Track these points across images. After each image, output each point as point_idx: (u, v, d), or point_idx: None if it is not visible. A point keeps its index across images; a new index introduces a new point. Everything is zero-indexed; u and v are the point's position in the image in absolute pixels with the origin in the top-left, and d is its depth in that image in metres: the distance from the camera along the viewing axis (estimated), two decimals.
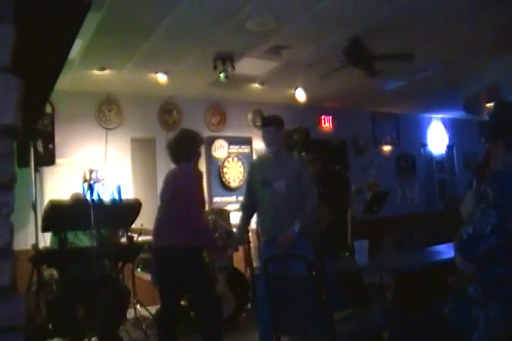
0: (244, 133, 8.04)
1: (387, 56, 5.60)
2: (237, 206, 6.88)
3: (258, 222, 4.30)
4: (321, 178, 5.30)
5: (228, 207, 6.95)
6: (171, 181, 3.86)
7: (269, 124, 4.08)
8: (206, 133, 7.63)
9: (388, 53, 5.57)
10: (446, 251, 3.63)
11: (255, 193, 4.06)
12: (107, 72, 6.09)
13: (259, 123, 8.18)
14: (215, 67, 5.91)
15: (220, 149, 7.72)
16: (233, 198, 7.67)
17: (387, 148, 9.90)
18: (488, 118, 2.40)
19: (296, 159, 4.20)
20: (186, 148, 3.87)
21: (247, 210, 4.22)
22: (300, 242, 3.74)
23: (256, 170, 4.15)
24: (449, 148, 11.04)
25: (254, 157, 8.08)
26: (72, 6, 1.51)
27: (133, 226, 5.04)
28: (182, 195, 3.64)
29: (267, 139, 4.05)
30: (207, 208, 7.01)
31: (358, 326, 3.10)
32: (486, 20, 5.18)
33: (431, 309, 2.38)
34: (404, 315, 3.10)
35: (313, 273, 2.74)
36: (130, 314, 5.18)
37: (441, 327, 2.24)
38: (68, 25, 1.67)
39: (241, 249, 6.13)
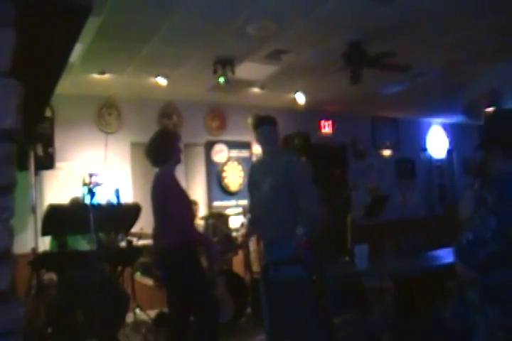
0: (244, 138, 8.04)
1: (385, 66, 5.60)
2: (237, 210, 6.89)
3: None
4: (320, 182, 5.28)
5: (228, 211, 6.94)
6: (153, 188, 3.82)
7: (265, 123, 3.99)
8: (206, 138, 7.65)
9: (386, 63, 5.57)
10: (446, 255, 3.62)
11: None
12: (106, 76, 6.10)
13: None
14: (215, 72, 5.92)
15: (220, 153, 7.73)
16: (233, 202, 7.67)
17: (387, 152, 9.91)
18: (482, 129, 2.40)
19: (287, 157, 3.93)
20: (162, 149, 3.77)
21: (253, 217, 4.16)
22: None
23: (252, 174, 4.09)
24: (449, 152, 11.05)
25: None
26: (72, 10, 1.52)
27: (132, 230, 5.04)
28: (164, 200, 3.65)
29: (262, 137, 3.95)
30: (207, 212, 7.02)
31: (358, 330, 3.09)
32: (485, 25, 5.20)
33: (431, 313, 2.38)
34: (404, 319, 3.09)
35: (314, 277, 2.74)
36: (129, 318, 5.16)
37: (441, 332, 2.24)
38: (69, 29, 1.68)
39: (240, 252, 6.13)
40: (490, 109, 7.36)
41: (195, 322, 3.68)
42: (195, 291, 3.62)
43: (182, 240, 3.57)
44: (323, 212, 3.78)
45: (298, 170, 3.79)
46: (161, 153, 3.76)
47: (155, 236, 3.88)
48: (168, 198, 3.63)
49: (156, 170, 3.87)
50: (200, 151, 7.62)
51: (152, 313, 5.39)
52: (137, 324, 5.26)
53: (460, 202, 2.32)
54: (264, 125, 3.98)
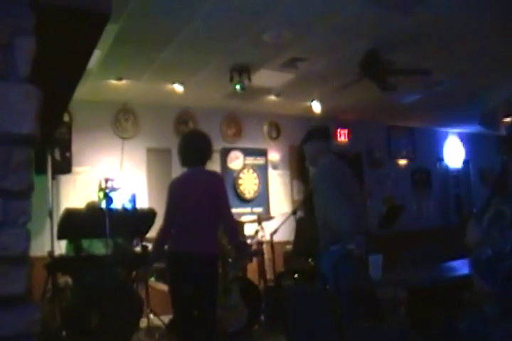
0: (259, 145, 8.05)
1: (404, 71, 5.59)
2: (252, 217, 6.88)
3: None
4: None
5: (243, 219, 6.94)
6: (196, 184, 3.69)
7: (304, 140, 4.16)
8: (222, 145, 7.67)
9: (405, 68, 5.56)
10: (461, 266, 3.58)
11: None
12: (124, 82, 6.15)
13: (274, 134, 8.23)
14: (231, 79, 5.95)
15: (236, 160, 7.74)
16: (248, 209, 7.67)
17: (402, 161, 9.85)
18: (507, 132, 2.37)
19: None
20: (209, 150, 3.81)
21: None
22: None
23: None
24: (465, 162, 10.96)
25: (270, 168, 8.10)
26: (91, 17, 1.53)
27: (147, 235, 5.06)
28: (213, 198, 3.58)
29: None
30: None
31: None
32: (504, 33, 5.17)
33: (446, 325, 2.35)
34: (418, 330, 3.06)
35: (327, 287, 2.73)
36: (143, 323, 5.17)
37: None
38: (87, 36, 1.70)
39: (255, 260, 6.11)
40: (507, 119, 7.29)
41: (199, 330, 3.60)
42: (209, 302, 3.57)
43: (218, 252, 3.55)
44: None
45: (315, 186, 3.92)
46: (205, 154, 3.79)
47: (183, 235, 3.64)
48: (222, 199, 3.61)
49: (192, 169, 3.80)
50: (216, 158, 7.63)
51: (166, 319, 5.39)
52: (151, 329, 5.27)
53: (467, 229, 2.27)
54: (304, 142, 4.14)
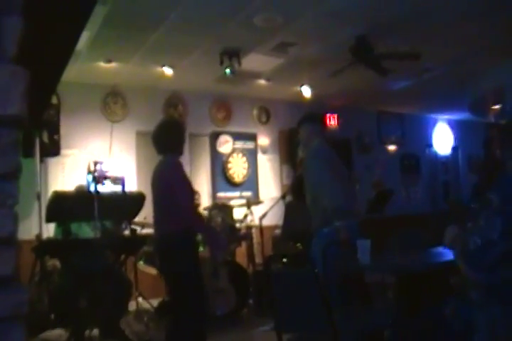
0: (249, 129, 8.04)
1: (394, 55, 5.57)
2: (241, 201, 6.89)
3: None
4: None
5: (232, 203, 6.95)
6: (156, 175, 3.82)
7: (299, 123, 4.27)
8: (211, 128, 7.65)
9: (395, 52, 5.55)
10: (449, 252, 3.61)
11: None
12: (113, 64, 6.09)
13: (264, 119, 8.21)
14: (221, 63, 5.91)
15: (225, 144, 7.72)
16: (237, 194, 7.68)
17: (392, 147, 9.88)
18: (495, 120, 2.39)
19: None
20: (170, 139, 3.80)
21: None
22: None
23: None
24: (454, 149, 11.02)
25: (259, 153, 8.09)
26: None
27: (136, 219, 5.05)
28: (168, 186, 3.64)
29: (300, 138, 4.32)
30: (211, 203, 7.03)
31: (360, 324, 3.10)
32: (495, 21, 5.16)
33: (432, 310, 2.37)
34: (405, 315, 3.09)
35: (316, 270, 2.75)
36: (132, 306, 5.19)
37: (442, 328, 2.24)
38: (76, 17, 1.67)
39: (244, 244, 6.13)
40: (496, 107, 7.33)
41: (178, 318, 3.63)
42: (185, 282, 3.57)
43: (184, 227, 3.56)
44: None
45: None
46: (168, 142, 3.79)
47: (155, 222, 3.85)
48: (173, 185, 3.62)
49: (160, 157, 3.87)
50: (205, 142, 7.63)
51: (154, 302, 5.41)
52: (139, 312, 5.29)
53: (446, 232, 2.30)
54: (299, 125, 4.26)
